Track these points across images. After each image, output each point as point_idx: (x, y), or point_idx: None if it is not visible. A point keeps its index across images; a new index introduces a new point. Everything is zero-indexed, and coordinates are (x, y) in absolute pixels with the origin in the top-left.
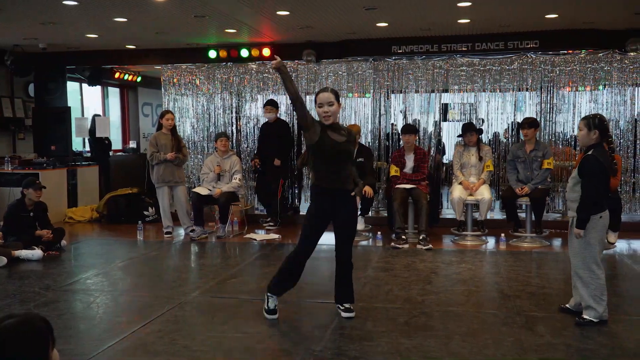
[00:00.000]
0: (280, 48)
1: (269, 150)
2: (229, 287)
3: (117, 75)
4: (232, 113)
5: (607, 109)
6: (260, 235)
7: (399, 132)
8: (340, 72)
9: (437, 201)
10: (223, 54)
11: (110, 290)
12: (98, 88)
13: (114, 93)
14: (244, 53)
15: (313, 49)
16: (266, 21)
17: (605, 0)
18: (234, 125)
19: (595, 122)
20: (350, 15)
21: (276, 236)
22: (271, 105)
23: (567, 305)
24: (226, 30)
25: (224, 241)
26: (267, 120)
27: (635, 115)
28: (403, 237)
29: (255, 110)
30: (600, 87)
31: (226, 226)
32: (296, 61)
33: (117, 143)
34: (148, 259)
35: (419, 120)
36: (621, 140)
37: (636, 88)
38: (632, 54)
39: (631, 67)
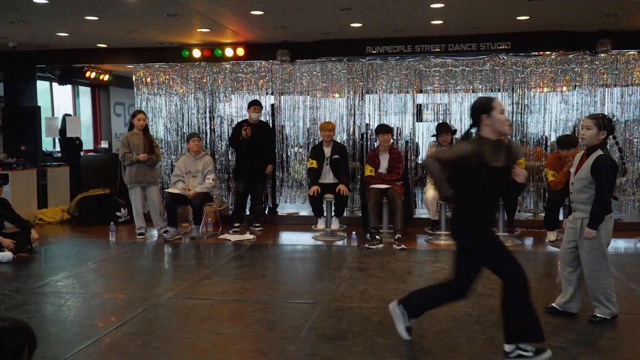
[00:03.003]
0: (254, 48)
1: (255, 153)
2: (203, 288)
3: (88, 74)
4: (205, 113)
5: (577, 110)
6: (234, 236)
7: (373, 132)
8: (314, 72)
9: (410, 201)
10: (197, 53)
11: (82, 292)
12: (69, 87)
13: (85, 92)
14: (218, 53)
15: (287, 49)
16: (240, 21)
17: (576, 2)
18: (208, 126)
19: (605, 123)
20: (324, 16)
21: (251, 237)
22: (258, 105)
23: (554, 305)
24: (200, 30)
25: (197, 242)
26: (247, 119)
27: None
28: (377, 237)
29: (229, 110)
30: (571, 88)
31: (200, 227)
32: (270, 61)
33: (88, 143)
34: (120, 261)
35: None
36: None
37: (606, 89)
38: (602, 55)
39: (601, 68)
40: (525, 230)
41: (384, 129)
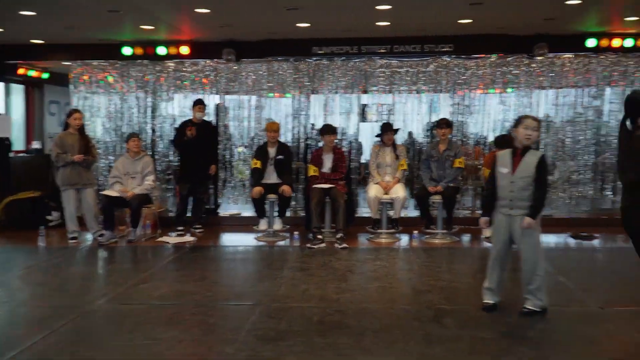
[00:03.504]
0: (199, 46)
1: (199, 154)
2: (139, 292)
3: (21, 71)
4: (146, 112)
5: (514, 111)
6: (173, 239)
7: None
8: (260, 72)
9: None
10: (138, 51)
11: (7, 301)
12: (0, 85)
13: (17, 90)
14: (161, 51)
15: (233, 47)
16: (185, 18)
17: (515, 7)
18: (149, 125)
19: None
20: (271, 15)
21: (191, 239)
22: (203, 104)
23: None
24: (142, 27)
25: (135, 245)
26: (191, 119)
27: (541, 116)
28: (319, 236)
29: (171, 110)
30: (509, 90)
31: (137, 229)
32: (215, 60)
33: (19, 143)
34: (50, 267)
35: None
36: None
37: (542, 91)
38: (539, 58)
39: (538, 70)
40: (463, 227)
41: (328, 130)
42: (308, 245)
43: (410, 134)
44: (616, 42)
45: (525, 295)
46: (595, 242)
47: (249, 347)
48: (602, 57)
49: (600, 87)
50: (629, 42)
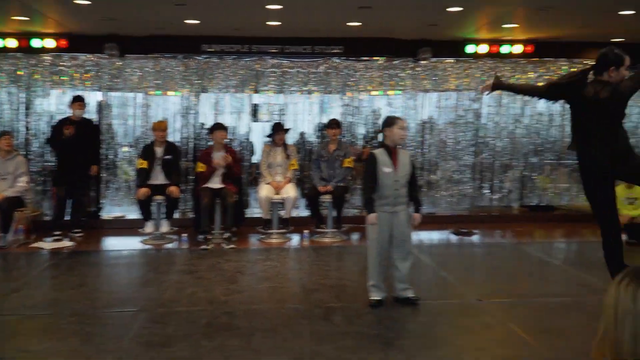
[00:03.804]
0: (78, 40)
1: (78, 154)
2: (10, 302)
3: None
4: (19, 109)
5: (401, 113)
6: (49, 244)
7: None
8: (146, 69)
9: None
10: (11, 43)
11: None
12: None
13: None
14: (36, 43)
15: (117, 42)
16: (63, 10)
17: (401, 12)
18: (22, 123)
19: None
20: (158, 10)
21: (69, 244)
22: (81, 101)
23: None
24: (15, 17)
25: (6, 252)
26: (69, 117)
27: (425, 118)
28: (209, 237)
29: (47, 106)
30: (396, 92)
31: (9, 235)
32: (97, 55)
33: None
34: None
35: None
36: (413, 142)
37: (426, 94)
38: (423, 62)
39: (422, 74)
40: (353, 226)
41: (219, 126)
42: (201, 247)
43: (302, 134)
44: (494, 49)
45: (405, 286)
46: (475, 238)
47: (132, 355)
48: (480, 62)
49: (479, 91)
50: (505, 49)
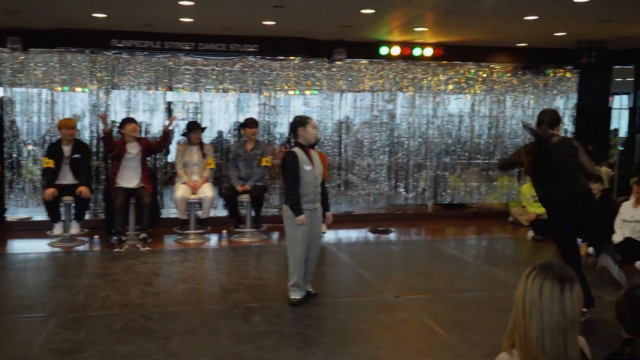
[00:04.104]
0: None
1: None
2: None
3: None
4: None
5: (317, 113)
6: None
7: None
8: (51, 63)
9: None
10: None
11: None
12: None
13: None
14: None
15: (19, 36)
16: None
17: (315, 12)
18: None
19: None
20: (63, 2)
21: None
22: None
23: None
24: None
25: None
26: None
27: (341, 118)
28: (123, 238)
29: None
30: (313, 92)
31: None
32: None
33: None
34: None
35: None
36: (330, 142)
37: (342, 94)
38: (338, 62)
39: (337, 75)
40: (272, 226)
41: (127, 120)
42: (115, 249)
43: (220, 132)
44: (406, 51)
45: (309, 281)
46: (391, 236)
47: None
48: (393, 64)
49: (392, 92)
50: (417, 51)
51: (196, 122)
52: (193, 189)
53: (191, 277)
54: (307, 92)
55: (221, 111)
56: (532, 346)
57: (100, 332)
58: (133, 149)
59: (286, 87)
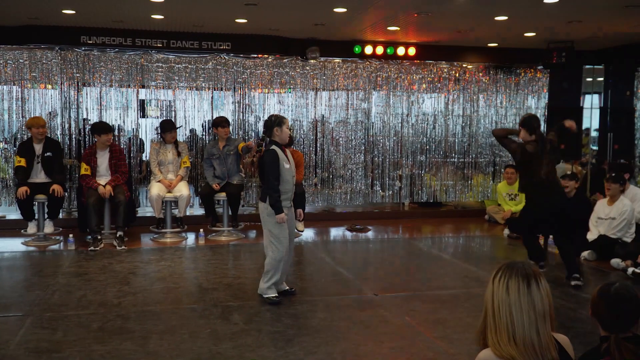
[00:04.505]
0: None
1: None
2: None
3: None
4: None
5: (292, 111)
6: None
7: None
8: (21, 60)
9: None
10: None
11: None
12: None
13: None
14: None
15: None
16: None
17: (287, 10)
18: None
19: None
20: None
21: None
22: None
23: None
24: None
25: None
26: None
27: (317, 117)
28: (99, 237)
29: None
30: (287, 90)
31: None
32: None
33: None
34: None
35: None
36: (304, 140)
37: (318, 92)
38: (312, 61)
39: (312, 73)
40: (249, 224)
41: (103, 129)
42: (90, 248)
43: (193, 131)
44: (379, 50)
45: (286, 278)
46: (369, 234)
47: None
48: (367, 63)
49: (367, 91)
50: (390, 50)
51: (170, 121)
52: (168, 187)
53: (169, 276)
54: (282, 91)
55: (195, 109)
56: (505, 343)
57: (78, 331)
58: (103, 158)
59: (260, 85)
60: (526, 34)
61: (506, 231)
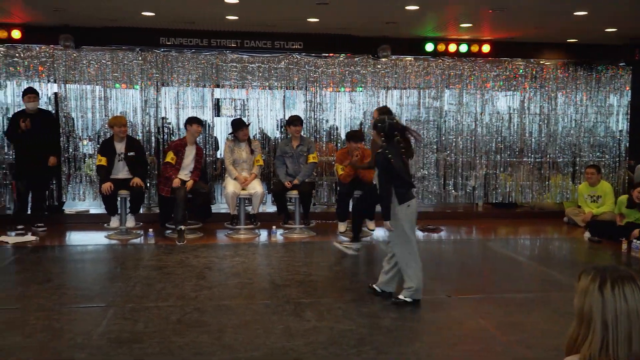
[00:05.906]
0: (33, 31)
1: (36, 146)
2: None
3: None
4: None
5: (363, 110)
6: (13, 238)
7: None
8: (103, 61)
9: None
10: None
11: None
12: None
13: None
14: None
15: (71, 33)
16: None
17: (358, 9)
18: None
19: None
20: (111, 1)
21: (32, 238)
22: (33, 93)
23: (375, 286)
24: None
25: None
26: (24, 110)
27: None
28: (182, 228)
29: (3, 98)
30: (358, 89)
31: None
32: (52, 46)
33: None
34: None
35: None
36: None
37: (388, 90)
38: (383, 59)
39: (382, 71)
40: (320, 222)
41: (194, 120)
42: (177, 241)
43: (261, 129)
44: (452, 47)
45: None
46: (442, 235)
47: (102, 351)
48: (440, 61)
49: (439, 89)
50: (463, 48)
51: (241, 119)
52: (243, 184)
53: (243, 271)
54: (352, 89)
55: (267, 108)
56: (620, 357)
57: (157, 323)
58: (190, 152)
59: (332, 84)
60: (607, 30)
61: (587, 234)
